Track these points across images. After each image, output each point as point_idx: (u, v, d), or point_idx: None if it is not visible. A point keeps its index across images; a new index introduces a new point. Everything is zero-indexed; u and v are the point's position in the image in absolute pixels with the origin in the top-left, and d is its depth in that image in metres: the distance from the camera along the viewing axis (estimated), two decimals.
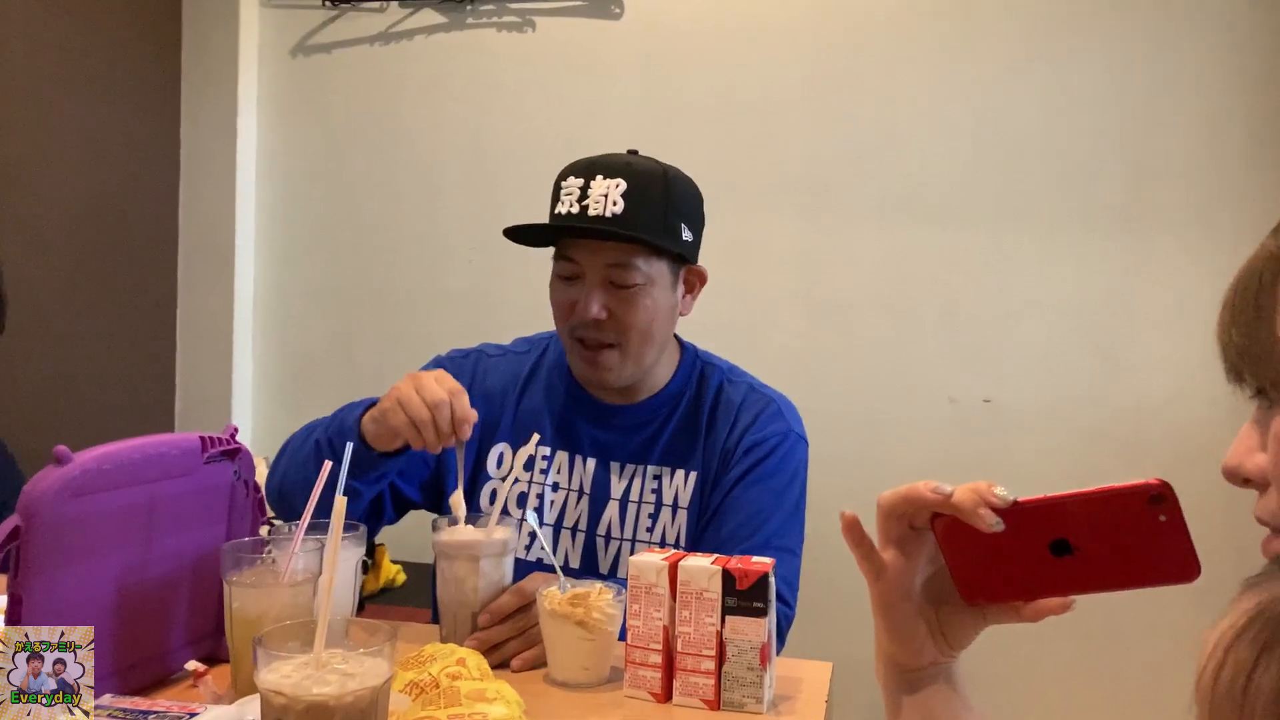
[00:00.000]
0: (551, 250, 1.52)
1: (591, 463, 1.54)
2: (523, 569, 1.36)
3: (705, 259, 1.56)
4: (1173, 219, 2.45)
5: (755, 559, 1.14)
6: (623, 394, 1.55)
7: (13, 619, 0.95)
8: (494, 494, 1.52)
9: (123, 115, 3.24)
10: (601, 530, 1.52)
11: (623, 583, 1.21)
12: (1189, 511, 0.61)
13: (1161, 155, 2.46)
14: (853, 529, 0.74)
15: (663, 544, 1.50)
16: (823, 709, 1.14)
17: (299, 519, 1.11)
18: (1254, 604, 0.48)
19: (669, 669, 1.13)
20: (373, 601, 2.38)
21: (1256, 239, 0.60)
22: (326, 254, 2.92)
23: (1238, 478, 0.60)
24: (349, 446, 1.20)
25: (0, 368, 1.45)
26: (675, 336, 1.60)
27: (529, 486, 1.54)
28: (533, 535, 1.42)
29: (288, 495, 1.44)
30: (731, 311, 2.51)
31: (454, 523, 1.28)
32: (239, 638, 1.08)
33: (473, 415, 1.28)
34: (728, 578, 1.11)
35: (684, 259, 1.51)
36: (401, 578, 2.50)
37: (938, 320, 2.57)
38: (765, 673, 1.11)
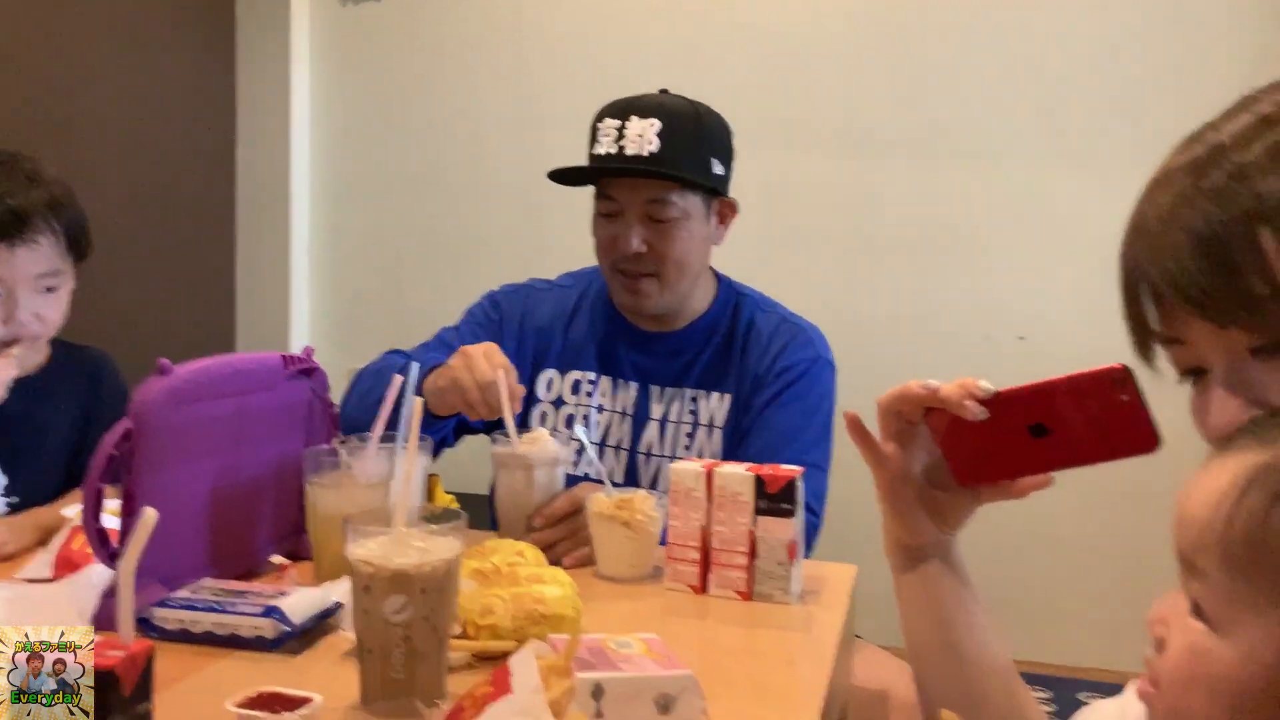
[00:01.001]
0: (592, 189, 1.63)
1: (633, 386, 1.65)
2: (571, 482, 1.47)
3: (738, 194, 1.66)
4: None
5: (784, 467, 1.25)
6: (662, 322, 1.65)
7: (128, 512, 1.07)
8: (544, 416, 1.65)
9: (180, 66, 3.36)
10: (643, 449, 1.64)
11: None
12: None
13: (1208, 89, 2.46)
14: (855, 426, 0.85)
15: None
16: (846, 602, 1.25)
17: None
18: (1255, 461, 0.57)
19: (705, 564, 1.25)
20: None
21: None
22: (378, 198, 3.04)
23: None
24: (414, 367, 1.32)
25: (80, 294, 1.58)
26: (711, 269, 1.70)
27: (575, 410, 1.66)
28: (580, 450, 1.53)
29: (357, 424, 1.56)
30: (764, 249, 2.58)
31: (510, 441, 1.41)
32: (320, 533, 1.22)
33: (520, 390, 1.39)
34: (759, 482, 1.22)
35: (716, 192, 1.61)
36: (455, 506, 2.64)
37: (972, 257, 2.63)
38: (793, 567, 1.22)
